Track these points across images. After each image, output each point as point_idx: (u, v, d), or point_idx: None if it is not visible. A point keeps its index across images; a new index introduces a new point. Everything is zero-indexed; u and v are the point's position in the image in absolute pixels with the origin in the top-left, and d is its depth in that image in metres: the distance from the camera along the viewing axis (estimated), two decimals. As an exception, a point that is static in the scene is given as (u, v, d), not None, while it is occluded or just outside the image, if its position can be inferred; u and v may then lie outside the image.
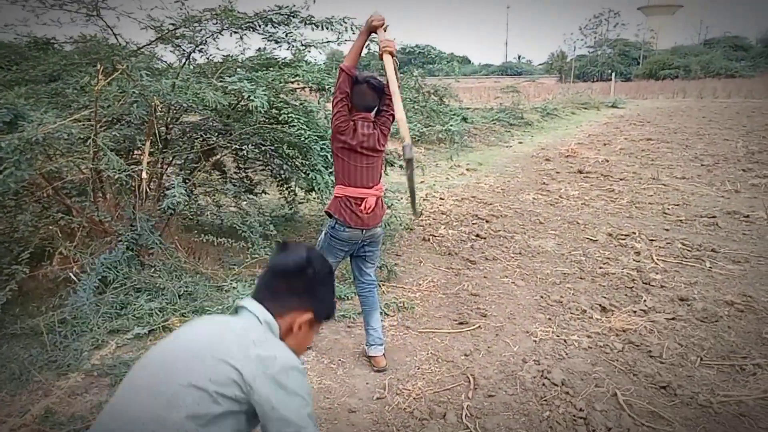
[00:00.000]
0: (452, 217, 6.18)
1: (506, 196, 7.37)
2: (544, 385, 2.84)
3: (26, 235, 3.84)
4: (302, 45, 4.27)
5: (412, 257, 4.87)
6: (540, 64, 75.54)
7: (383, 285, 4.13)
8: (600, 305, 3.82)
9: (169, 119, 4.10)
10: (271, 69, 4.67)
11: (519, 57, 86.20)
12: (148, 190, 4.00)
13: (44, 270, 3.81)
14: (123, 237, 3.87)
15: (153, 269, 3.88)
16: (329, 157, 4.17)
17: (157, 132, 3.95)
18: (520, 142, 12.83)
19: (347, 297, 3.91)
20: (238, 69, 4.65)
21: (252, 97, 3.61)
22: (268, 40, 4.22)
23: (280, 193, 5.40)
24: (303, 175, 4.70)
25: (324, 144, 4.26)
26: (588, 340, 3.33)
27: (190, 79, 3.91)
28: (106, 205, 4.24)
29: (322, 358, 3.15)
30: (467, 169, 9.21)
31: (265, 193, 5.64)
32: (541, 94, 27.92)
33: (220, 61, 4.84)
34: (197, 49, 4.22)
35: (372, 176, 2.83)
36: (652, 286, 4.12)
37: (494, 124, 14.38)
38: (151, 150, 4.01)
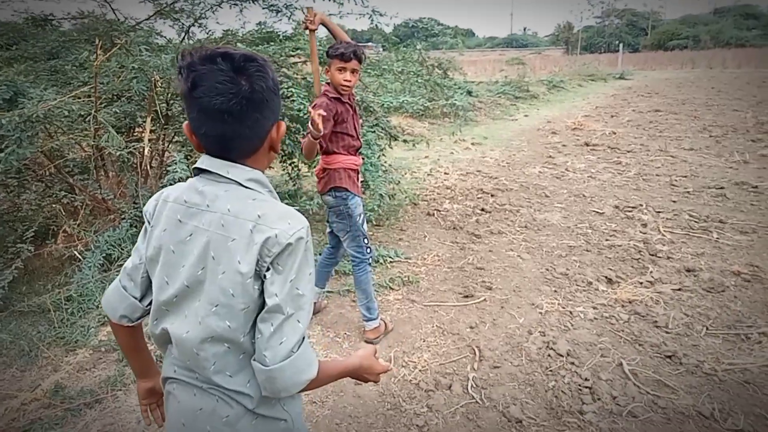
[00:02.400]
0: (457, 192, 6.14)
1: (512, 169, 7.31)
2: (549, 356, 2.84)
3: (30, 214, 3.86)
4: (304, 13, 4.19)
5: (416, 232, 4.86)
6: (546, 36, 74.47)
7: (386, 261, 4.12)
8: (606, 277, 3.80)
9: (169, 95, 4.06)
10: (272, 43, 4.61)
11: (524, 29, 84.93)
12: (150, 167, 3.98)
13: (49, 248, 3.83)
14: (126, 214, 3.88)
15: (158, 246, 3.88)
16: None
17: (158, 108, 3.92)
18: (526, 116, 12.69)
19: (351, 272, 3.90)
20: (238, 43, 4.60)
21: None
22: (269, 10, 4.14)
23: (283, 169, 5.37)
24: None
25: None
26: (593, 311, 3.32)
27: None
28: (109, 182, 4.25)
29: (327, 331, 3.17)
30: (472, 144, 9.13)
31: (270, 167, 5.61)
32: (547, 66, 27.53)
33: (220, 36, 4.78)
34: (196, 22, 4.16)
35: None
36: (659, 257, 4.09)
37: (499, 97, 14.21)
38: (152, 127, 3.98)
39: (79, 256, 3.67)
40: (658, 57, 37.19)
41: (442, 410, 2.44)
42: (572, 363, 2.76)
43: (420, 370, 2.75)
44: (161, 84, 3.84)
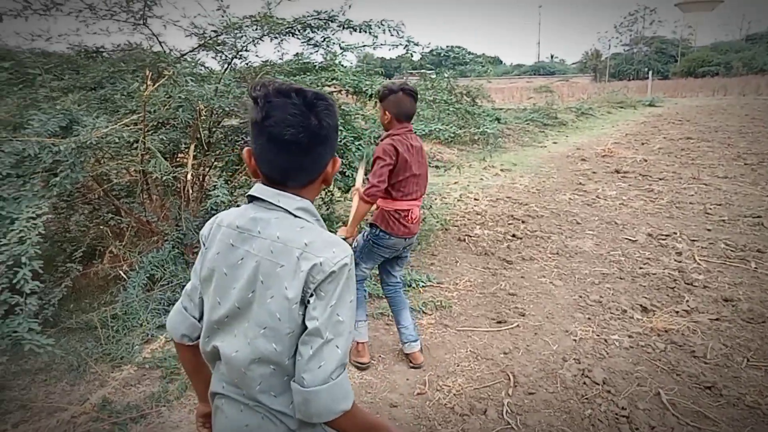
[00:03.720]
0: (487, 218, 6.17)
1: (542, 196, 7.32)
2: (584, 383, 2.83)
3: (78, 235, 4.04)
4: (340, 48, 4.35)
5: (448, 257, 4.90)
6: (573, 63, 74.43)
7: (419, 285, 4.16)
8: (641, 305, 3.78)
9: (211, 123, 4.23)
10: (308, 73, 4.78)
11: (552, 56, 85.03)
12: (191, 191, 4.14)
13: (95, 268, 3.98)
14: (169, 236, 4.02)
15: (197, 268, 4.00)
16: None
17: (201, 135, 4.08)
18: (555, 143, 12.68)
19: (384, 296, 3.96)
20: (276, 74, 4.78)
21: None
22: (307, 45, 4.31)
23: (318, 195, 5.49)
24: (339, 175, 4.79)
25: (359, 144, 4.33)
26: (629, 339, 3.30)
27: (231, 83, 4.04)
28: (152, 206, 4.41)
29: (362, 354, 3.21)
30: (501, 170, 9.16)
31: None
32: (575, 93, 27.51)
33: (259, 66, 4.97)
34: (238, 54, 4.35)
35: (419, 189, 2.93)
36: (695, 286, 4.05)
37: (527, 124, 14.25)
38: (195, 153, 4.15)
39: (124, 276, 3.81)
40: (689, 84, 36.80)
41: (478, 435, 2.46)
42: (608, 391, 2.75)
43: (454, 395, 2.77)
44: (205, 113, 4.01)
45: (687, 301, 3.79)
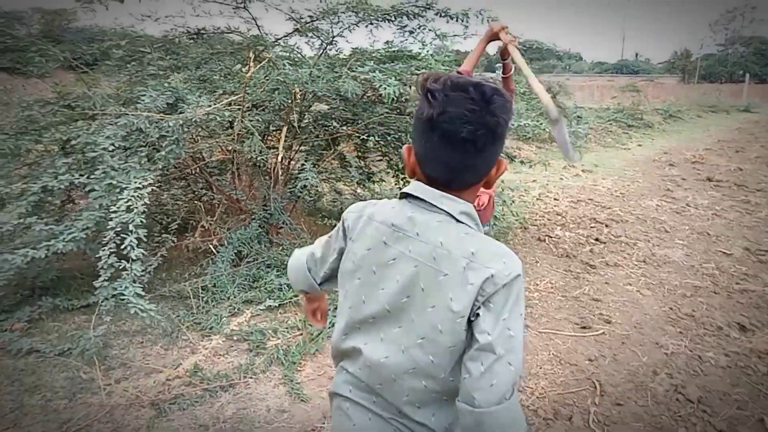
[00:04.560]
0: (568, 219, 5.97)
1: (626, 200, 7.00)
2: (677, 400, 2.69)
3: (173, 209, 4.24)
4: (435, 35, 4.30)
5: (527, 256, 4.79)
6: (660, 63, 70.58)
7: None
8: (738, 323, 3.54)
9: (303, 107, 4.32)
10: (399, 61, 4.77)
11: (636, 55, 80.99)
12: (280, 172, 4.25)
13: (187, 241, 4.17)
14: (256, 215, 4.15)
15: (281, 247, 4.11)
16: None
17: (292, 118, 4.17)
18: (640, 145, 12.10)
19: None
20: (367, 61, 4.80)
21: (384, 86, 3.72)
22: (402, 31, 4.30)
23: (395, 183, 5.51)
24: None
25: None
26: (726, 359, 3.10)
27: (322, 69, 4.09)
28: (241, 185, 4.56)
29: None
30: (582, 171, 8.84)
31: (383, 180, 5.77)
32: (661, 95, 26.07)
33: (350, 53, 5.02)
34: (333, 40, 4.39)
35: None
36: (800, 308, 3.75)
37: (610, 124, 13.66)
38: (286, 136, 4.25)
39: (213, 250, 3.98)
40: (790, 90, 34.07)
41: (563, 441, 2.39)
42: (704, 411, 2.60)
43: (537, 397, 2.71)
44: (299, 96, 4.09)
45: (792, 323, 3.52)
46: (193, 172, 4.24)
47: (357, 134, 4.67)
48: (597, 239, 5.26)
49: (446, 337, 0.99)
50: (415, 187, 1.05)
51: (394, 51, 4.98)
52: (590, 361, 3.06)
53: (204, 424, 2.40)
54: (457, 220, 1.03)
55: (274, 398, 2.62)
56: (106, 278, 2.81)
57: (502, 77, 2.69)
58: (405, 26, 4.32)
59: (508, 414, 0.94)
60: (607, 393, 2.75)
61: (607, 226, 5.75)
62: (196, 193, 4.31)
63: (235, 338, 3.13)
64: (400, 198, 1.10)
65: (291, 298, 3.54)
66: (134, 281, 2.81)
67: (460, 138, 0.96)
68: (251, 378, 2.76)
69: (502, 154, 1.06)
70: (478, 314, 0.97)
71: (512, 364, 0.95)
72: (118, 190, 3.10)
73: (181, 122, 3.16)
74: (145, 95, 3.30)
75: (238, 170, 4.54)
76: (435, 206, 1.03)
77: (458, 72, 2.75)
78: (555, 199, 6.96)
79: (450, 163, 1.00)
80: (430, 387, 1.04)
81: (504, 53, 2.55)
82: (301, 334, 3.17)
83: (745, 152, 10.92)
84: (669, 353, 3.15)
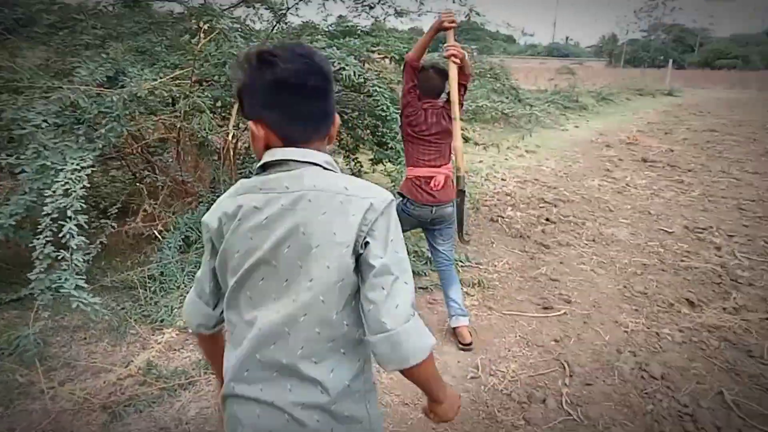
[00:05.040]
0: (517, 199, 6.04)
1: (570, 180, 7.18)
2: (642, 377, 2.75)
3: (113, 191, 3.91)
4: (396, 12, 4.16)
5: (482, 237, 4.79)
6: (588, 47, 73.33)
7: (457, 265, 4.06)
8: (687, 299, 3.68)
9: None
10: (352, 36, 4.59)
11: (567, 38, 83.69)
12: (232, 152, 4.00)
13: (128, 226, 3.87)
14: (204, 198, 3.90)
15: (233, 232, 3.89)
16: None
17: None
18: (576, 127, 12.48)
19: (424, 273, 3.87)
20: (319, 36, 4.59)
21: (343, 65, 3.56)
22: (361, 6, 4.12)
23: (347, 164, 5.36)
24: (375, 144, 4.65)
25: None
26: (680, 334, 3.21)
27: (275, 42, 3.86)
28: (186, 166, 4.27)
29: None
30: (526, 151, 9.00)
31: (336, 161, 5.60)
32: (590, 78, 27.01)
33: (300, 27, 4.78)
34: (288, 11, 4.14)
35: (440, 157, 2.90)
36: (740, 283, 3.95)
37: (548, 105, 13.97)
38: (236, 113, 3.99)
39: (158, 236, 3.70)
40: (705, 75, 36.35)
41: (540, 425, 2.38)
42: (668, 387, 2.67)
43: (509, 381, 2.69)
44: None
45: (734, 298, 3.70)
46: (134, 152, 3.92)
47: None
48: (547, 219, 5.35)
49: (333, 273, 0.99)
50: (274, 152, 1.05)
51: (347, 26, 4.79)
52: (556, 342, 3.09)
53: (165, 427, 2.22)
54: (325, 168, 1.05)
55: (238, 394, 2.46)
56: (43, 269, 2.52)
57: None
58: (364, 1, 4.15)
59: (418, 328, 0.99)
60: (576, 373, 2.77)
61: (555, 206, 5.86)
62: (137, 174, 3.99)
63: (189, 331, 2.92)
64: (259, 172, 1.08)
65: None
66: (75, 273, 2.54)
67: (309, 87, 1.02)
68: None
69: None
70: (367, 243, 0.99)
71: (408, 283, 1.01)
72: (52, 171, 2.79)
73: (125, 97, 2.86)
74: (81, 67, 2.97)
75: (182, 150, 4.24)
76: (299, 161, 1.04)
77: (406, 61, 2.77)
78: (502, 179, 7.03)
79: (306, 114, 1.04)
80: (324, 334, 1.02)
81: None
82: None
83: (673, 134, 11.49)
84: (629, 331, 3.22)
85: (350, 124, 4.59)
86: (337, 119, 1.12)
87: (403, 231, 3.03)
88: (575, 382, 2.70)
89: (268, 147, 1.06)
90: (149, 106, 3.60)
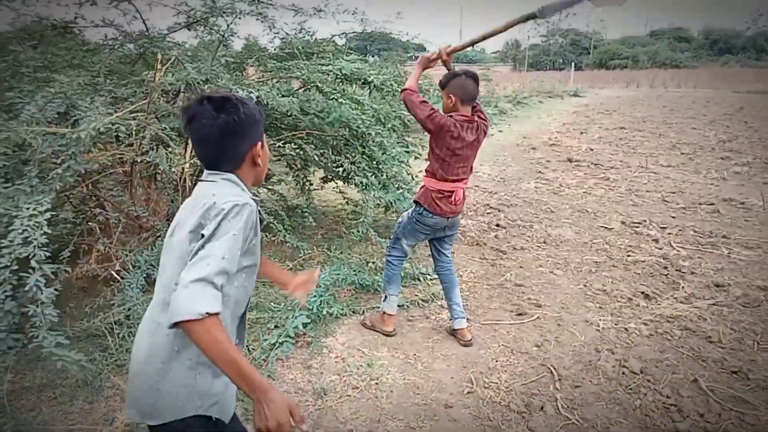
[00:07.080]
0: (464, 207, 6.20)
1: (507, 185, 7.48)
2: (624, 374, 2.92)
3: (63, 233, 3.63)
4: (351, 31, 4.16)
5: (441, 248, 4.88)
6: (493, 53, 76.57)
7: (426, 279, 4.12)
8: (642, 293, 3.94)
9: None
10: (299, 59, 4.53)
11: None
12: (189, 184, 3.83)
13: (81, 268, 3.60)
14: (161, 233, 3.71)
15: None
16: (384, 142, 4.24)
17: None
18: (500, 131, 12.98)
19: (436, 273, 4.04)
20: (266, 59, 4.52)
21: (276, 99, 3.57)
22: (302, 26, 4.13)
23: (296, 182, 5.30)
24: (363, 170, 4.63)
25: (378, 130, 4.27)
26: (646, 327, 3.43)
27: (218, 67, 3.75)
28: (138, 200, 4.05)
29: (396, 353, 3.13)
30: (460, 158, 9.25)
31: (282, 181, 5.51)
32: (500, 82, 28.24)
33: (245, 49, 4.69)
34: (231, 33, 4.03)
35: (465, 171, 3.01)
36: (684, 272, 4.29)
37: (471, 112, 14.47)
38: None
39: (117, 277, 3.48)
40: (601, 75, 38.99)
41: (546, 432, 2.46)
42: (649, 380, 2.85)
43: (505, 391, 2.76)
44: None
45: (683, 287, 4.01)
46: (84, 189, 3.65)
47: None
48: (498, 225, 5.54)
49: (178, 250, 1.34)
50: (205, 175, 1.45)
51: (289, 51, 4.74)
52: (537, 347, 3.21)
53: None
54: (216, 183, 1.41)
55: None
56: (3, 327, 2.31)
57: None
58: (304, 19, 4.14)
59: (193, 295, 1.17)
60: (564, 377, 2.89)
61: (500, 210, 6.08)
62: (86, 213, 3.73)
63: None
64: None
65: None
66: (51, 329, 2.33)
67: (198, 137, 1.38)
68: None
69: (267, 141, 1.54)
70: (202, 224, 1.29)
71: (210, 265, 1.21)
72: (5, 219, 2.56)
73: (83, 134, 2.67)
74: (30, 104, 2.75)
75: (131, 183, 4.01)
76: (208, 180, 1.42)
77: (409, 91, 2.84)
78: (446, 188, 7.18)
79: (203, 156, 1.43)
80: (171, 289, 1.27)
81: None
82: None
83: (588, 133, 12.25)
84: (600, 329, 3.40)
85: (296, 144, 4.53)
86: (257, 149, 1.45)
87: (419, 240, 3.12)
88: (565, 386, 2.82)
89: None
90: (103, 141, 3.40)
